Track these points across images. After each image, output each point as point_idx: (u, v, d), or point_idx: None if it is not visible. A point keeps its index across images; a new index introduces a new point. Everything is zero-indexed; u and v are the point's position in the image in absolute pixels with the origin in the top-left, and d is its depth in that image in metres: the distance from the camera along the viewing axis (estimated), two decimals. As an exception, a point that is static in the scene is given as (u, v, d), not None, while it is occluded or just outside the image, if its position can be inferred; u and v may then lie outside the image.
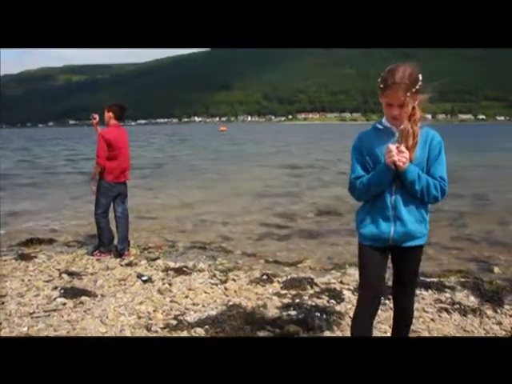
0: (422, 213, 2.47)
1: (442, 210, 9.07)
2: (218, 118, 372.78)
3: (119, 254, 5.88)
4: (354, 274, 5.10)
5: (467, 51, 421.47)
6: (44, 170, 18.68)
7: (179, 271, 5.24)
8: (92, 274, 5.18)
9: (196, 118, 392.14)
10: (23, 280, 4.95)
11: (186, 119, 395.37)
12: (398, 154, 2.28)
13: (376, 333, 3.30)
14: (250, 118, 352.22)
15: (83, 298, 4.36)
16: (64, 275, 5.10)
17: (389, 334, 3.29)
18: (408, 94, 2.25)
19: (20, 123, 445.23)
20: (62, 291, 4.54)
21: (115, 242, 6.01)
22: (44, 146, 40.01)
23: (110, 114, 5.88)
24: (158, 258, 5.94)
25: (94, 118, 6.23)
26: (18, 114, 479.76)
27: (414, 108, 2.37)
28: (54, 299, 4.36)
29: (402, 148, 2.29)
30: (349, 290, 4.62)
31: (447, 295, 4.45)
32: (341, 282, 4.87)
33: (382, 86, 2.31)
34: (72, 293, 4.49)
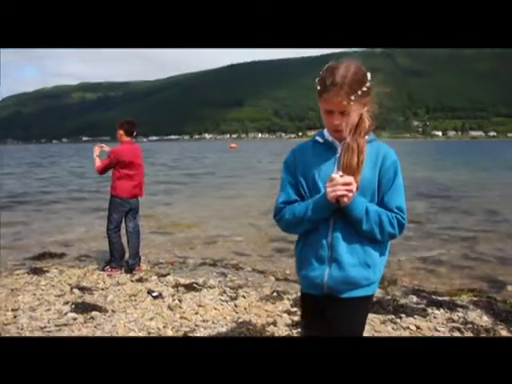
0: (369, 254, 1.90)
1: (454, 228, 9.02)
2: (228, 135, 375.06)
3: (130, 270, 5.91)
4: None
5: (478, 67, 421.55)
6: (58, 186, 18.86)
7: (189, 287, 5.24)
8: (103, 290, 5.20)
9: (207, 135, 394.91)
10: (35, 294, 4.98)
11: (196, 136, 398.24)
12: (342, 185, 1.78)
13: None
14: (260, 135, 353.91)
15: (94, 313, 4.37)
16: (75, 290, 5.13)
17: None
18: (352, 98, 1.77)
19: (35, 139, 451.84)
20: (73, 306, 4.56)
21: (126, 257, 6.04)
22: (60, 164, 40.44)
23: (121, 131, 5.95)
24: (168, 273, 5.95)
25: (101, 147, 6.11)
26: (34, 130, 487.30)
27: (361, 116, 1.89)
28: (65, 314, 4.38)
29: (347, 178, 1.78)
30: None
31: (460, 314, 4.39)
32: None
33: (319, 88, 1.82)
34: (83, 308, 4.51)
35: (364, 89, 1.80)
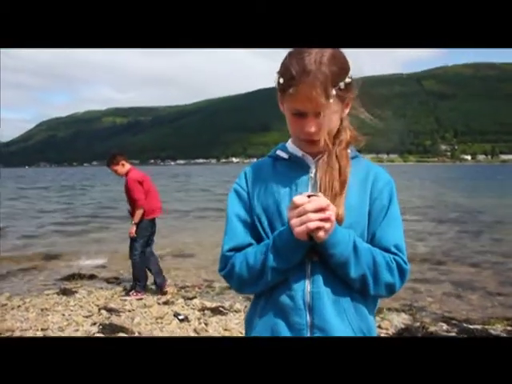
0: (363, 316, 1.30)
1: (486, 253, 8.79)
2: (255, 159, 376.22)
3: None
4: (392, 318, 4.98)
5: (502, 87, 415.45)
6: (87, 209, 19.25)
7: (215, 311, 5.24)
8: (130, 311, 5.25)
9: (234, 159, 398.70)
10: (64, 314, 5.07)
11: (223, 160, 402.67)
12: (313, 213, 1.15)
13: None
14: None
15: (120, 335, 4.41)
16: (103, 311, 5.20)
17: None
18: (333, 92, 1.21)
19: (67, 162, 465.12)
20: (101, 327, 4.62)
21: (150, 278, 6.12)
22: (93, 186, 41.38)
23: (122, 161, 5.90)
24: (194, 297, 5.97)
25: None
26: (66, 154, 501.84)
27: (341, 121, 1.34)
28: (93, 335, 4.43)
29: (321, 200, 1.16)
30: (387, 334, 4.49)
31: (493, 343, 4.25)
32: (379, 327, 4.75)
33: (282, 80, 1.25)
34: (110, 329, 4.55)
35: (347, 80, 1.25)
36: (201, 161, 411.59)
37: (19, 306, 5.37)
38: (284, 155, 1.39)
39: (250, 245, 1.34)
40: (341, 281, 1.25)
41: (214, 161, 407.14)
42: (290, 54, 1.28)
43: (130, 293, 5.95)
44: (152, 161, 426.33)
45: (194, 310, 5.34)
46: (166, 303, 5.60)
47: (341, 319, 1.24)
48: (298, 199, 1.16)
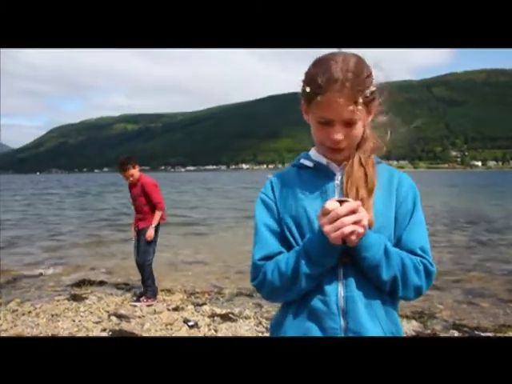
0: (393, 318, 1.34)
1: (497, 260, 8.69)
2: (265, 166, 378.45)
3: (147, 297, 6.02)
4: (402, 326, 4.92)
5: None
6: (96, 215, 19.36)
7: (225, 318, 5.24)
8: (140, 318, 5.25)
9: (244, 165, 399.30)
10: (74, 320, 5.09)
11: (233, 166, 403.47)
12: (346, 217, 1.17)
13: None
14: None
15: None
16: (113, 317, 5.21)
17: None
18: (360, 101, 1.23)
19: (77, 168, 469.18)
20: (110, 333, 4.63)
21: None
22: (102, 193, 41.62)
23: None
24: (204, 303, 5.96)
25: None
26: (76, 160, 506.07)
27: (365, 129, 1.35)
28: (103, 341, 4.44)
29: (352, 204, 1.18)
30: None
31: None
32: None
33: (308, 89, 1.27)
34: (120, 335, 4.56)
35: (372, 88, 1.26)
36: (210, 167, 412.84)
37: (30, 312, 5.41)
38: (308, 163, 1.41)
39: (280, 253, 1.35)
40: (372, 284, 1.28)
41: (223, 167, 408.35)
42: (315, 62, 1.30)
43: (141, 299, 5.96)
44: (162, 167, 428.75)
45: (204, 316, 5.33)
46: (175, 309, 5.60)
47: (373, 323, 1.26)
48: (329, 204, 1.18)
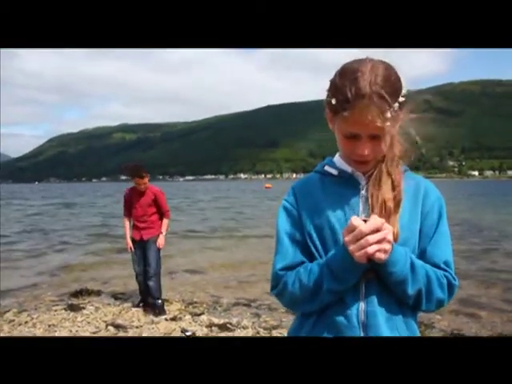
0: (411, 327, 1.30)
1: (494, 270, 8.70)
2: (263, 175, 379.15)
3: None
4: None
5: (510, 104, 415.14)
6: (93, 223, 19.34)
7: (223, 327, 5.22)
8: (137, 327, 5.24)
9: (242, 175, 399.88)
10: (71, 331, 5.07)
11: (232, 176, 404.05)
12: (371, 235, 1.14)
13: None
14: (295, 175, 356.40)
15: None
16: (110, 327, 5.19)
17: None
18: (388, 115, 1.17)
19: (76, 178, 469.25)
20: (108, 343, 4.61)
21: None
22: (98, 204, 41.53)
23: (147, 176, 5.89)
24: (202, 313, 5.94)
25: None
26: (75, 169, 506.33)
27: (392, 138, 1.30)
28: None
29: (377, 221, 1.15)
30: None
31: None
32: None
33: (334, 102, 1.22)
34: (117, 345, 4.54)
35: (401, 99, 1.20)
36: (209, 177, 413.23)
37: (26, 322, 5.39)
38: (333, 171, 1.36)
39: (301, 263, 1.32)
40: (394, 298, 1.25)
41: (222, 177, 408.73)
42: (341, 73, 1.24)
43: (156, 312, 5.77)
44: (160, 177, 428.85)
45: (202, 326, 5.31)
46: (173, 319, 5.59)
47: (393, 335, 1.25)
48: (354, 221, 1.15)
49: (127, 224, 6.12)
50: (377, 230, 1.14)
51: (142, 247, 5.87)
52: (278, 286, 1.34)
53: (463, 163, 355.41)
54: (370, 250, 1.13)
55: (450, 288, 1.28)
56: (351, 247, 1.15)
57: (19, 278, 8.29)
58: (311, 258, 1.32)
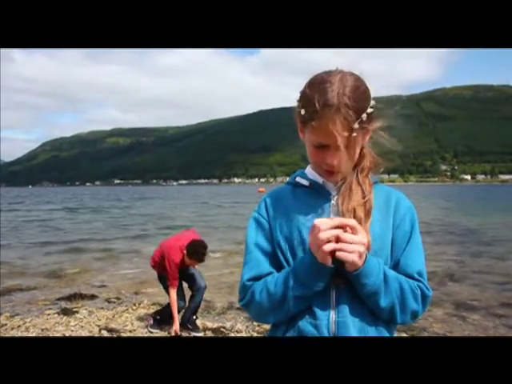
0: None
1: (487, 273, 8.76)
2: (256, 179, 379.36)
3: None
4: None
5: (502, 109, 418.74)
6: (91, 230, 19.25)
7: (217, 331, 5.23)
8: (131, 332, 5.23)
9: (235, 179, 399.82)
10: (64, 335, 5.05)
11: (225, 180, 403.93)
12: (341, 237, 1.14)
13: None
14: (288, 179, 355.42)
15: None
16: (104, 331, 5.17)
17: None
18: (356, 126, 1.18)
19: (69, 182, 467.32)
20: (102, 347, 4.59)
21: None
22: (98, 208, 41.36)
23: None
24: (196, 317, 5.93)
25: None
26: (69, 173, 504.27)
27: (362, 149, 1.31)
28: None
29: (351, 222, 1.16)
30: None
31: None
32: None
33: (303, 112, 1.23)
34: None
35: (369, 110, 1.21)
36: (202, 181, 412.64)
37: (19, 327, 5.36)
38: (304, 182, 1.36)
39: (270, 273, 1.30)
40: (367, 308, 1.22)
41: (215, 181, 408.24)
42: (310, 83, 1.24)
43: (190, 330, 5.36)
44: (154, 181, 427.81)
45: (195, 330, 5.30)
46: (166, 323, 5.58)
47: None
48: (319, 222, 1.14)
49: (175, 296, 5.26)
50: (342, 227, 1.14)
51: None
52: (245, 296, 1.31)
53: (456, 167, 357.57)
54: (326, 247, 1.12)
55: (424, 299, 1.27)
56: (314, 246, 1.15)
57: (11, 281, 8.23)
58: (280, 269, 1.30)
